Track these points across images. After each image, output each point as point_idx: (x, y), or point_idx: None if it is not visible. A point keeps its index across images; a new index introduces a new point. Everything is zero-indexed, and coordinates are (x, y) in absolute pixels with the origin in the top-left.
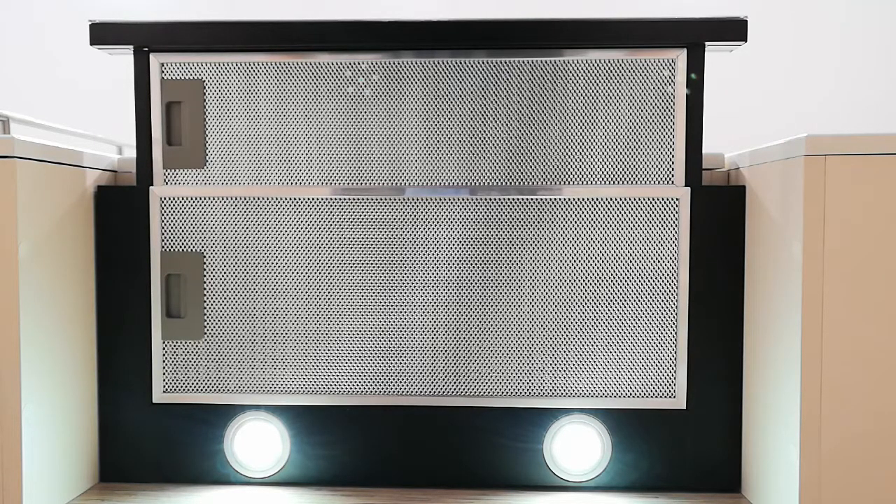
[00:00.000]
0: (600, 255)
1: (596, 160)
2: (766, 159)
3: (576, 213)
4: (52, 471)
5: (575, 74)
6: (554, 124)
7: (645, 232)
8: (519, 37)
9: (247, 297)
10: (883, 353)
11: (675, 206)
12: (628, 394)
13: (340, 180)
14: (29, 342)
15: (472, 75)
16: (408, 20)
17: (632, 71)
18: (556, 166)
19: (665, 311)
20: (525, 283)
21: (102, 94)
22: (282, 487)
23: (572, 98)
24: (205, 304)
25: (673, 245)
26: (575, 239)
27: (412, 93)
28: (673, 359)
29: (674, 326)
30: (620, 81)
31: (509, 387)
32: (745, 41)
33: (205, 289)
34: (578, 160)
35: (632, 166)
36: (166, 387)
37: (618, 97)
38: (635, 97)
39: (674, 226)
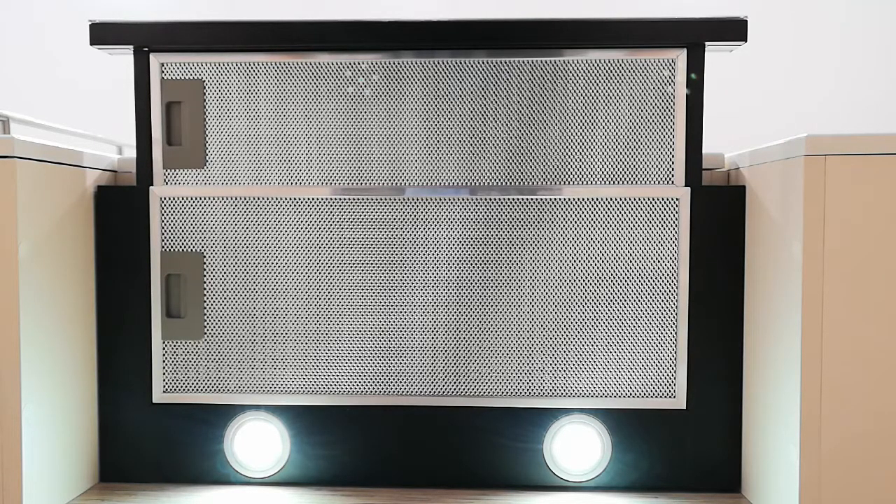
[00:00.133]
0: (600, 255)
1: (596, 160)
2: (766, 159)
3: (576, 213)
4: (52, 471)
5: (575, 74)
6: (554, 124)
7: (645, 232)
8: (519, 37)
9: (247, 297)
10: (883, 353)
11: (675, 206)
12: (628, 394)
13: (340, 180)
14: (29, 342)
15: (472, 75)
16: (408, 20)
17: (632, 71)
18: (556, 166)
19: (665, 311)
20: (525, 283)
21: (102, 94)
22: (282, 487)
23: (572, 98)
24: (205, 304)
25: (673, 245)
26: (575, 239)
27: (412, 93)
28: (673, 359)
29: (674, 326)
30: (620, 81)
31: (509, 387)
32: (745, 41)
33: (205, 289)
34: (578, 160)
35: (632, 166)
36: (166, 387)
37: (618, 97)
38: (635, 97)
39: (674, 226)
